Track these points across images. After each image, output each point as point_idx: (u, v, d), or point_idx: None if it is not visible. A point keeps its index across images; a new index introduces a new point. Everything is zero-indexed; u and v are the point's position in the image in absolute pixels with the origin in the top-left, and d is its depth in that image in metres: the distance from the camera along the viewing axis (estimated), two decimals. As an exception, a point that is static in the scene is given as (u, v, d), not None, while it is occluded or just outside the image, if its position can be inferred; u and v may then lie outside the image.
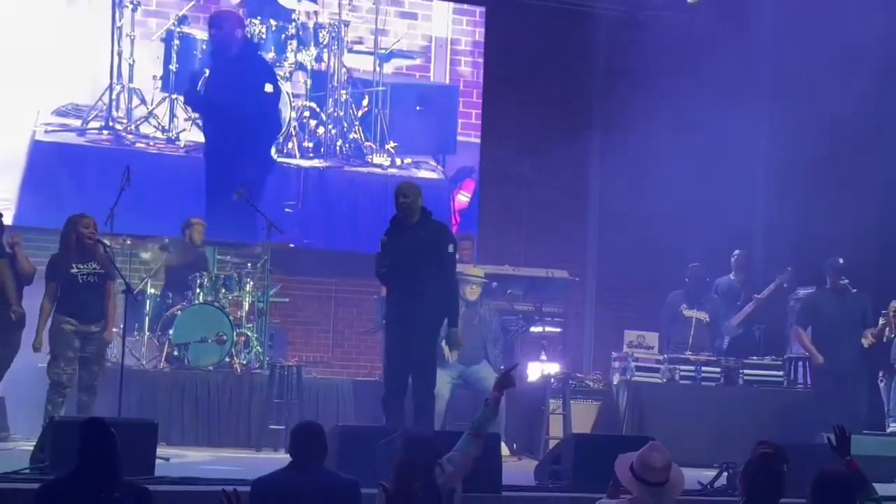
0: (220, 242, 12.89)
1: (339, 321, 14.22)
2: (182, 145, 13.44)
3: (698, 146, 14.69)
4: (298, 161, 13.85)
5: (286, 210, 13.53)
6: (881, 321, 12.21)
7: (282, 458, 9.32)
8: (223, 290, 11.95)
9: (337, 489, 6.10)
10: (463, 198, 14.26)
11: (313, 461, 6.09)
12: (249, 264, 12.31)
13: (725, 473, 8.91)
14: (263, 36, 13.71)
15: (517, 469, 9.87)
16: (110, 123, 13.18)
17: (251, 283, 12.11)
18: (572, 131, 15.01)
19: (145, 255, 12.38)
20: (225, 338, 11.64)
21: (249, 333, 11.95)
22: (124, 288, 10.35)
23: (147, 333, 11.85)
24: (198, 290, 11.83)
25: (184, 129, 13.40)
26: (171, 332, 11.64)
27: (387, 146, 14.02)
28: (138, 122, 13.30)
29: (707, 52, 14.56)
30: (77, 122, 13.07)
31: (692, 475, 8.11)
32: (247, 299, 12.05)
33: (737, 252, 13.44)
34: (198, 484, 7.92)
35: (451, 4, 14.38)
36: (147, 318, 11.87)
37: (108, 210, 10.47)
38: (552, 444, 10.95)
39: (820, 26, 13.71)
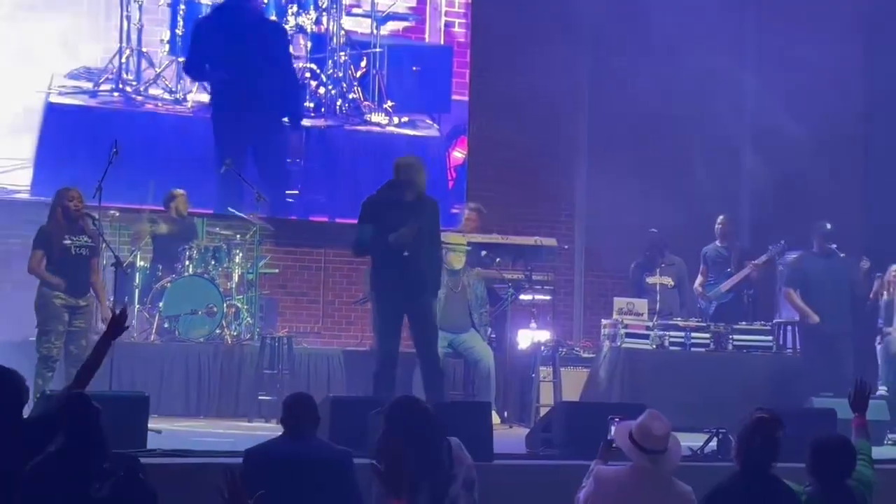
0: (221, 215, 12.88)
1: (328, 291, 14.22)
2: (189, 106, 13.69)
3: (688, 111, 14.73)
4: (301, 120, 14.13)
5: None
6: (876, 284, 12.23)
7: (273, 428, 9.38)
8: (212, 262, 11.96)
9: (330, 459, 6.12)
10: (459, 154, 14.48)
11: (306, 431, 6.11)
12: (238, 235, 12.31)
13: (716, 439, 8.95)
14: (265, 0, 13.89)
15: (508, 437, 9.90)
16: (120, 86, 13.47)
17: (240, 254, 12.11)
18: (561, 99, 14.99)
19: (139, 227, 12.43)
20: (215, 309, 11.66)
21: (239, 305, 11.97)
22: (114, 261, 10.34)
23: (137, 306, 11.85)
24: (187, 262, 11.84)
25: (190, 91, 13.70)
26: (160, 304, 11.65)
27: (384, 105, 14.28)
28: (147, 84, 13.59)
29: (698, 14, 14.57)
30: (89, 85, 13.36)
31: (682, 440, 8.12)
32: (236, 270, 12.07)
33: (721, 217, 13.43)
34: (190, 456, 7.93)
35: (444, -33, 14.57)
36: (137, 291, 11.87)
37: (97, 183, 10.42)
38: (542, 411, 10.96)
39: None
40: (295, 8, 14.01)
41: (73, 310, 9.83)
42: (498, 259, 12.11)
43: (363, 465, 6.23)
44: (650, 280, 12.58)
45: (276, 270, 13.32)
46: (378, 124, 14.17)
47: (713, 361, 12.05)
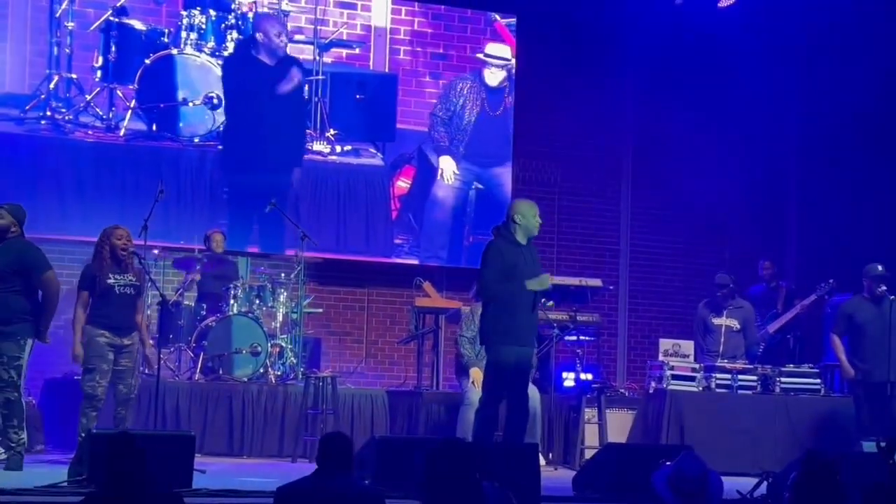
0: (266, 254, 12.81)
1: (371, 331, 14.21)
2: (122, 133, 13.23)
3: (732, 152, 14.70)
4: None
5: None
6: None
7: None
8: (257, 301, 11.95)
9: (360, 497, 6.07)
10: (403, 184, 14.21)
11: (338, 470, 6.06)
12: (283, 275, 12.31)
13: (765, 482, 8.84)
14: (203, 26, 13.49)
15: (554, 479, 9.83)
16: (49, 113, 13.03)
17: (285, 293, 12.10)
18: (604, 139, 14.98)
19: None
20: (259, 349, 11.65)
21: (284, 344, 11.95)
22: (160, 300, 10.34)
23: (182, 345, 11.87)
24: (232, 302, 11.84)
25: (123, 118, 13.22)
26: (205, 343, 11.66)
27: (327, 134, 13.92)
28: (77, 110, 13.14)
29: (737, 58, 14.56)
30: (15, 112, 12.92)
31: (730, 484, 8.05)
32: (281, 310, 12.05)
33: (765, 263, 13.43)
34: (235, 496, 7.92)
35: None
36: (182, 330, 11.89)
37: (143, 222, 10.41)
38: (588, 453, 10.91)
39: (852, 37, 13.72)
40: (235, 34, 13.58)
41: (119, 349, 9.73)
42: (550, 302, 11.86)
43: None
44: (716, 321, 12.42)
45: (321, 310, 13.30)
46: (320, 153, 13.82)
47: (760, 404, 11.94)
